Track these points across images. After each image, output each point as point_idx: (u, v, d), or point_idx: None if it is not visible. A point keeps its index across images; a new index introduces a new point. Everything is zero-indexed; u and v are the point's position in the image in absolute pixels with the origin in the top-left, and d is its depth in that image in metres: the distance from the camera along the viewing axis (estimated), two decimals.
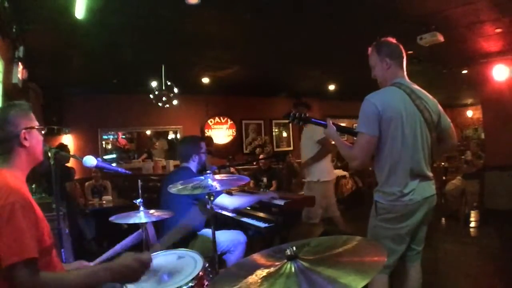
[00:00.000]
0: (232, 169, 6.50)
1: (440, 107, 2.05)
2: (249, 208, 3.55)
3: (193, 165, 2.94)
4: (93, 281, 1.27)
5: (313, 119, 2.20)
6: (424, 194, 1.93)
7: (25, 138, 1.37)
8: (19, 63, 3.52)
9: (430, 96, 2.03)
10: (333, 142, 2.19)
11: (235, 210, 3.23)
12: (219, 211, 3.83)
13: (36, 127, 1.45)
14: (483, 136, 7.48)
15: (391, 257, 1.94)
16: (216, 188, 1.97)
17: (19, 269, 1.12)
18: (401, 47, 2.04)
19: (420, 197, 1.91)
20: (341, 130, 2.18)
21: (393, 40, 2.06)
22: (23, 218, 1.17)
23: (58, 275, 1.32)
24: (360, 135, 1.92)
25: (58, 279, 1.24)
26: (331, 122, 2.11)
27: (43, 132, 1.50)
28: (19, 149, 1.37)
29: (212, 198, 2.05)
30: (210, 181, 2.01)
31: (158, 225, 2.77)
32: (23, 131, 1.37)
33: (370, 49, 2.09)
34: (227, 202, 2.78)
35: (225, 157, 7.29)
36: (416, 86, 2.02)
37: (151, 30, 4.10)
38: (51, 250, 1.37)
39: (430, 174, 2.00)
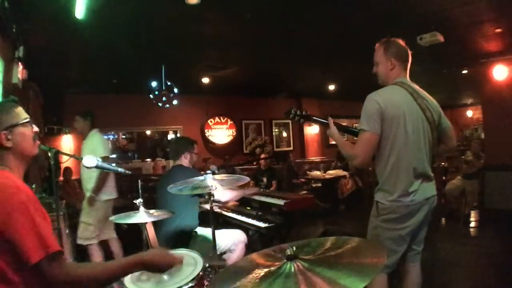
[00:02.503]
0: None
1: (440, 109, 2.04)
2: (249, 208, 3.56)
3: (184, 163, 2.93)
4: (124, 272, 1.30)
5: (314, 117, 2.19)
6: (426, 194, 1.92)
7: (7, 139, 1.29)
8: (19, 63, 3.52)
9: (431, 97, 2.03)
10: (333, 142, 2.18)
11: (225, 203, 3.61)
12: (219, 210, 3.83)
13: (19, 122, 1.32)
14: (483, 136, 7.47)
15: (392, 257, 1.94)
16: (216, 188, 1.97)
17: (48, 264, 1.12)
18: (409, 52, 2.03)
19: (421, 198, 1.90)
20: (342, 129, 2.17)
21: (403, 43, 2.04)
22: (37, 215, 1.17)
23: (88, 266, 1.33)
24: (362, 133, 1.90)
25: (88, 269, 1.25)
26: (332, 121, 2.10)
27: (29, 123, 1.37)
28: (5, 151, 1.31)
29: (212, 198, 2.05)
30: (210, 181, 2.02)
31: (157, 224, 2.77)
32: (1, 133, 1.28)
33: (377, 44, 2.06)
34: (219, 196, 2.81)
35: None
36: (417, 86, 2.02)
37: (151, 30, 4.10)
38: None
39: (432, 174, 1.99)
